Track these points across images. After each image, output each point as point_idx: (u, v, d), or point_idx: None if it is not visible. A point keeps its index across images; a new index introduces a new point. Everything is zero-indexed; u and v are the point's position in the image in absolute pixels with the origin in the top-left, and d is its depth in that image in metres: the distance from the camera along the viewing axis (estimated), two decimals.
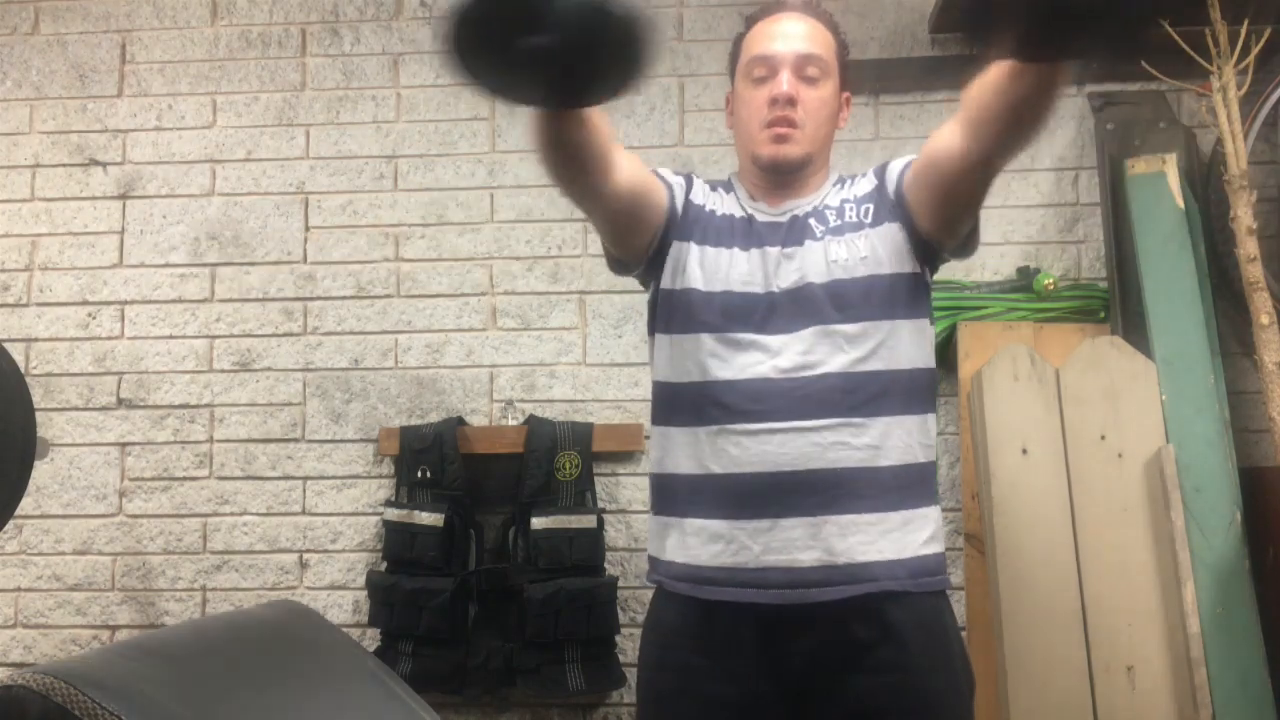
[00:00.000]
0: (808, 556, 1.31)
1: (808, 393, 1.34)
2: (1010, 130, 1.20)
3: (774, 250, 1.42)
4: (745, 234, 1.45)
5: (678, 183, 1.51)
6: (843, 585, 1.31)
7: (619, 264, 1.53)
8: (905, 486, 1.36)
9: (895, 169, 1.46)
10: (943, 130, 1.33)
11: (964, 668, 1.39)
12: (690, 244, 1.46)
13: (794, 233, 1.43)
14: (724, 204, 1.50)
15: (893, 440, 1.35)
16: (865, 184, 1.48)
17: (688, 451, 1.39)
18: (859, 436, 1.34)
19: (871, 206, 1.44)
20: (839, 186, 1.50)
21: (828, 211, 1.44)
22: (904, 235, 1.42)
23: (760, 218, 1.46)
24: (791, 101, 1.39)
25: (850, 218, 1.43)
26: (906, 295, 1.41)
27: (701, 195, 1.51)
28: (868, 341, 1.36)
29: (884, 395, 1.36)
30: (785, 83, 1.39)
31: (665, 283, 1.47)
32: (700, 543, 1.36)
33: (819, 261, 1.40)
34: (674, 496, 1.42)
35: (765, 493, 1.33)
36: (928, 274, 1.46)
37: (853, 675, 1.32)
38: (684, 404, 1.42)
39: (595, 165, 1.30)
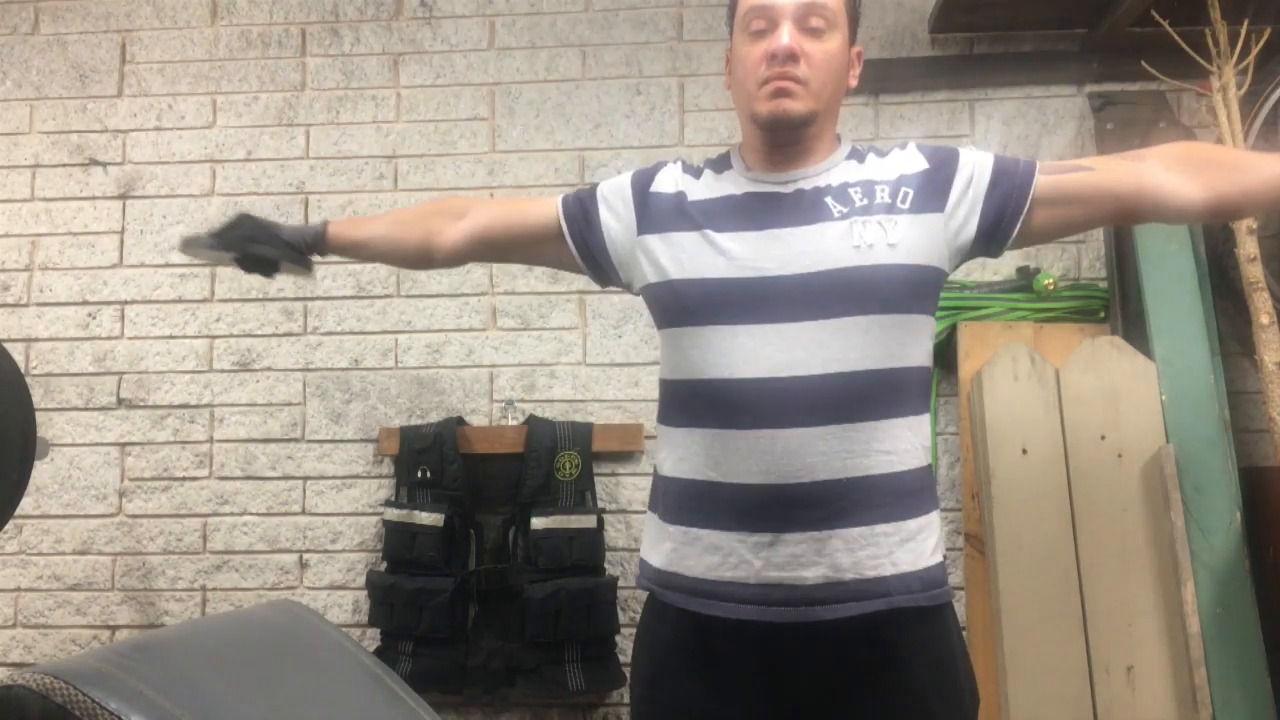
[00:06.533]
0: (812, 573, 1.23)
1: (816, 393, 1.23)
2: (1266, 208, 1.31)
3: (779, 230, 1.28)
4: (742, 213, 1.31)
5: (613, 187, 1.43)
6: (849, 603, 1.23)
7: (596, 278, 1.49)
8: (916, 491, 1.29)
9: (984, 166, 1.31)
10: (1165, 172, 1.26)
11: (969, 685, 1.32)
12: (663, 234, 1.35)
13: (804, 210, 1.29)
14: (714, 185, 1.37)
15: (903, 443, 1.27)
16: (904, 163, 1.33)
17: (684, 453, 1.31)
18: (872, 440, 1.24)
19: (913, 191, 1.29)
20: (855, 160, 1.36)
21: (850, 190, 1.30)
22: (946, 229, 1.30)
23: (760, 189, 1.33)
24: (793, 57, 1.26)
25: (881, 198, 1.29)
26: (928, 289, 1.31)
27: (671, 183, 1.39)
28: (883, 337, 1.25)
29: (896, 395, 1.27)
30: (785, 35, 1.26)
31: (651, 277, 1.36)
32: (695, 553, 1.28)
33: (838, 245, 1.26)
34: (669, 499, 1.34)
35: (767, 505, 1.24)
36: (950, 271, 1.35)
37: (855, 697, 1.26)
38: (682, 402, 1.33)
39: (407, 257, 1.54)
